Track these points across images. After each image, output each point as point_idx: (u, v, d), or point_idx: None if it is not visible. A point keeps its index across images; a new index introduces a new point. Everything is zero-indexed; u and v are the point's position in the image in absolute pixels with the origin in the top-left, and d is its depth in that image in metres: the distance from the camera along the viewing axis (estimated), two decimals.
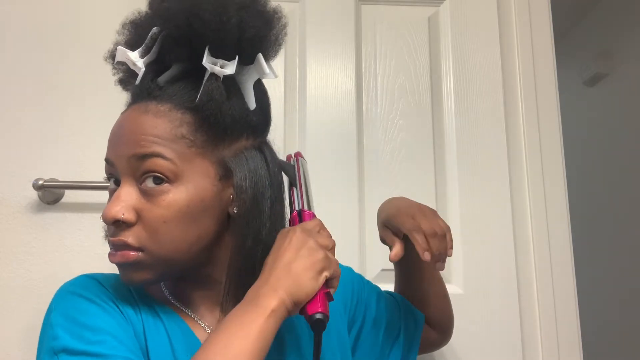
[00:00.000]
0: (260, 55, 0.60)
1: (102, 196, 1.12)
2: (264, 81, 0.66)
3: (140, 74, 0.60)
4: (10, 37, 1.17)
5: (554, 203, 1.16)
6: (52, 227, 1.09)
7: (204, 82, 0.57)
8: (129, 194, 0.57)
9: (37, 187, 1.05)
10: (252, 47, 0.60)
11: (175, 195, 0.56)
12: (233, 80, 0.60)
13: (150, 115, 0.57)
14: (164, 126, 0.57)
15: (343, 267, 0.78)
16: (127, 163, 0.57)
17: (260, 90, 0.65)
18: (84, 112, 1.15)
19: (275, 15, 0.63)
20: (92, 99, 1.16)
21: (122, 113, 0.62)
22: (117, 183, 0.59)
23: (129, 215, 0.56)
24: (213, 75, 0.57)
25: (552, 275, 1.13)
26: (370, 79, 1.19)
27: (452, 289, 1.09)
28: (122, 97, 1.20)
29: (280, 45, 0.64)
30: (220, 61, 0.58)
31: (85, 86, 1.16)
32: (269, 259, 0.57)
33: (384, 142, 1.16)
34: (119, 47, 0.62)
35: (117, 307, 0.58)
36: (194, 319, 0.63)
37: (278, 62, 1.18)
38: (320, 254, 0.56)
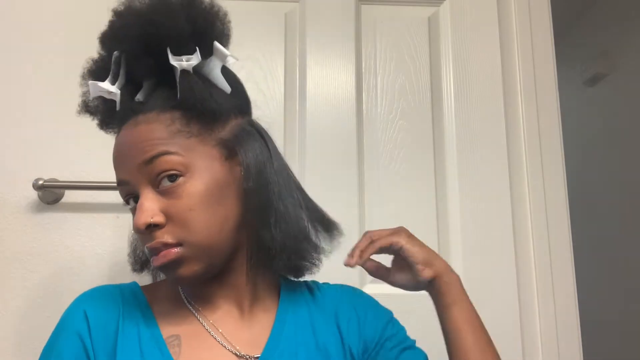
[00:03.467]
0: (217, 43, 0.64)
1: (102, 196, 1.12)
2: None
3: (118, 99, 0.63)
4: (11, 38, 1.17)
5: (554, 203, 1.16)
6: (52, 227, 1.09)
7: (178, 79, 0.60)
8: (150, 200, 0.59)
9: (37, 187, 1.05)
10: (206, 38, 0.63)
11: (192, 184, 0.59)
12: (202, 73, 0.64)
13: (143, 125, 0.61)
14: (158, 128, 0.60)
15: (348, 287, 0.79)
16: (139, 172, 0.60)
17: (230, 75, 0.68)
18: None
19: (214, 8, 0.66)
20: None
21: (116, 138, 0.66)
22: (136, 200, 0.62)
23: (158, 218, 0.58)
24: (184, 71, 0.61)
25: (552, 275, 1.13)
26: (370, 79, 1.19)
27: None
28: None
29: (229, 35, 0.67)
30: (184, 57, 0.61)
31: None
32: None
33: (384, 142, 1.16)
34: (90, 83, 0.65)
35: (84, 345, 0.61)
36: (195, 317, 0.65)
37: (278, 62, 1.18)
38: None
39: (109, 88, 0.63)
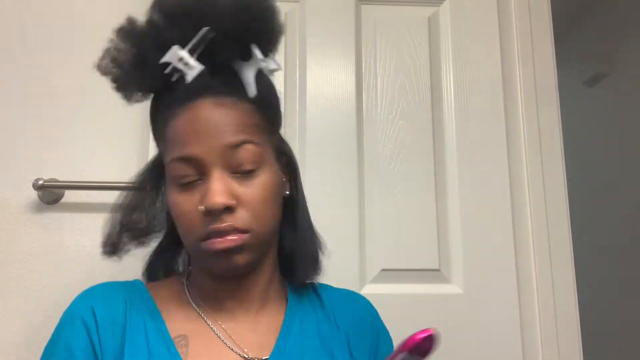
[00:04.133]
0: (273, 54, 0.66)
1: (102, 196, 1.12)
2: None
3: (194, 72, 0.60)
4: (11, 38, 1.17)
5: (554, 203, 1.16)
6: (52, 227, 1.09)
7: (254, 76, 0.62)
8: (224, 182, 0.59)
9: (37, 187, 1.05)
10: (275, 46, 0.66)
11: (265, 177, 0.61)
12: (268, 78, 0.67)
13: (228, 108, 0.61)
14: (245, 115, 0.61)
15: (365, 303, 0.78)
16: (220, 154, 0.59)
17: (272, 84, 0.70)
18: (84, 112, 1.15)
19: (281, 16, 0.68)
20: (92, 100, 1.16)
21: (181, 111, 0.61)
22: (189, 181, 0.60)
23: (233, 201, 0.59)
24: (261, 70, 0.63)
25: (552, 275, 1.13)
26: (370, 79, 1.19)
27: (452, 289, 1.10)
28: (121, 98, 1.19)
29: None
30: (265, 58, 0.63)
31: (86, 87, 1.16)
32: None
33: (384, 142, 1.16)
34: (174, 47, 0.61)
35: (92, 342, 0.61)
36: (202, 318, 0.65)
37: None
38: None
39: (190, 60, 0.60)
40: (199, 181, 0.60)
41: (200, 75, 0.60)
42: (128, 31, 0.66)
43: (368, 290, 1.08)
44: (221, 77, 0.62)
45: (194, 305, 0.66)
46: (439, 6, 1.23)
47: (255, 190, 0.60)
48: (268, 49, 0.64)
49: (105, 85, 1.17)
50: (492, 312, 1.09)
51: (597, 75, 2.12)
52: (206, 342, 0.62)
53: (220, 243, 0.58)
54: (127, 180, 1.12)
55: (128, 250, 0.73)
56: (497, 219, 1.13)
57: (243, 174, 0.60)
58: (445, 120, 1.18)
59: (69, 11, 1.19)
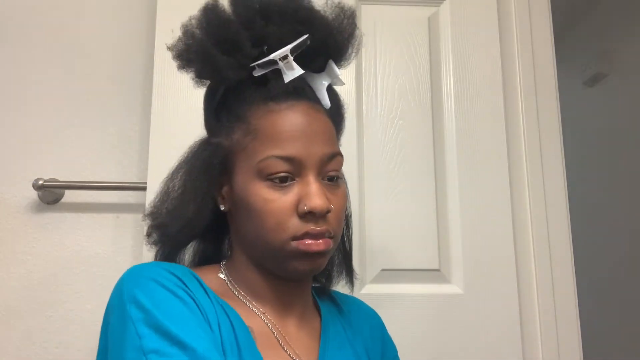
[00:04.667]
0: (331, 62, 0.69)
1: (102, 196, 1.12)
2: None
3: (296, 75, 0.62)
4: (11, 38, 1.17)
5: (554, 203, 1.16)
6: (52, 227, 1.09)
7: (327, 90, 0.66)
8: (321, 188, 0.62)
9: (37, 187, 1.05)
10: (349, 61, 0.71)
11: (343, 188, 0.66)
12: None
13: (323, 116, 0.65)
14: (330, 126, 0.65)
15: (373, 310, 0.82)
16: (319, 161, 0.62)
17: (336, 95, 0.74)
18: (84, 112, 1.15)
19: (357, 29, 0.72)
20: (92, 100, 1.16)
21: (281, 106, 0.62)
22: (284, 180, 0.61)
23: (332, 206, 0.62)
24: (330, 84, 0.67)
25: (552, 275, 1.13)
26: (370, 79, 1.19)
27: (452, 289, 1.10)
28: (122, 98, 1.20)
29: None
30: (339, 72, 0.68)
31: (86, 87, 1.16)
32: None
33: (384, 142, 1.16)
34: (287, 47, 0.62)
35: (194, 299, 0.56)
36: (253, 310, 0.64)
37: None
38: None
39: (293, 62, 0.62)
40: (293, 182, 0.61)
41: (296, 79, 0.63)
42: (219, 17, 0.64)
43: (368, 290, 1.08)
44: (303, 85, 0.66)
45: (245, 300, 0.64)
46: (439, 6, 1.23)
47: (340, 199, 0.64)
48: (342, 65, 0.68)
49: (105, 86, 1.17)
50: (492, 312, 1.09)
51: (597, 75, 2.12)
52: (264, 339, 0.61)
53: (316, 245, 0.60)
54: (127, 180, 1.13)
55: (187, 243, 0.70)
56: (497, 219, 1.13)
57: (331, 183, 0.63)
58: (445, 120, 1.18)
59: (71, 11, 1.19)
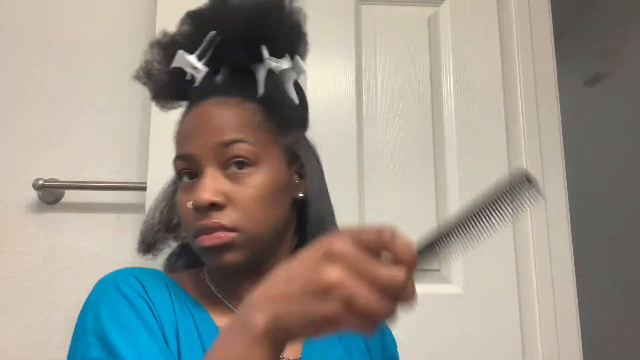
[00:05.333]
0: (298, 57, 0.67)
1: (102, 196, 1.12)
2: None
3: (201, 75, 0.64)
4: (11, 38, 1.17)
5: (554, 203, 1.16)
6: (52, 227, 1.09)
7: (264, 77, 0.63)
8: (215, 180, 0.60)
9: (37, 187, 1.05)
10: (295, 48, 0.67)
11: (260, 176, 0.61)
12: (280, 79, 0.67)
13: (228, 107, 0.62)
14: (242, 115, 0.62)
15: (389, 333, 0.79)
16: (212, 152, 0.60)
17: (300, 90, 0.71)
18: (84, 112, 1.15)
19: (305, 25, 0.69)
20: (92, 100, 1.16)
21: (189, 111, 0.65)
22: (191, 177, 0.62)
23: (221, 198, 0.59)
24: (271, 71, 0.63)
25: (552, 276, 1.13)
26: (370, 79, 1.19)
27: (452, 289, 1.10)
28: (122, 98, 1.20)
29: (307, 50, 0.71)
30: (274, 59, 0.64)
31: (86, 87, 1.16)
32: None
33: (384, 142, 1.16)
34: (180, 52, 0.65)
35: (152, 309, 0.58)
36: (230, 308, 0.64)
37: None
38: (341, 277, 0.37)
39: (196, 63, 0.64)
40: (196, 179, 0.62)
41: (207, 78, 0.63)
42: (154, 42, 0.69)
43: None
44: (232, 78, 0.65)
45: (223, 299, 0.65)
46: (439, 6, 1.23)
47: (247, 189, 0.60)
48: (280, 49, 0.64)
49: (104, 86, 1.17)
50: (492, 312, 1.09)
51: (597, 75, 2.12)
52: None
53: (207, 240, 0.59)
54: (127, 180, 1.13)
55: (162, 249, 0.74)
56: None
57: (237, 172, 0.60)
58: (445, 120, 1.18)
59: (71, 11, 1.19)
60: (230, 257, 0.59)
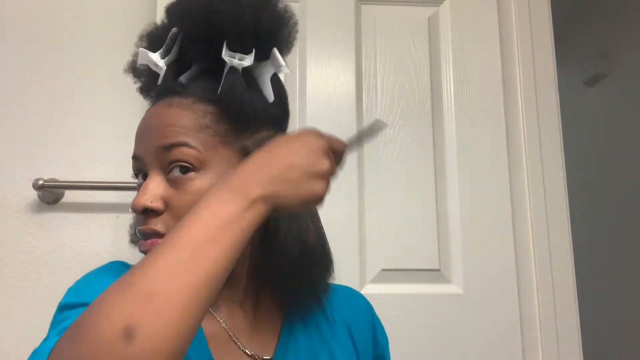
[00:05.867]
0: (275, 50, 0.63)
1: (102, 196, 1.12)
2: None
3: (162, 74, 0.62)
4: (11, 38, 1.17)
5: (554, 203, 1.16)
6: (52, 227, 1.09)
7: (224, 75, 0.60)
8: (156, 184, 0.58)
9: (37, 187, 1.05)
10: (267, 42, 0.63)
11: (202, 182, 0.57)
12: (251, 75, 0.63)
13: (175, 108, 0.60)
14: (189, 117, 0.59)
15: (360, 296, 0.77)
16: (155, 155, 0.59)
17: (278, 84, 0.67)
18: (83, 112, 1.15)
19: (287, 14, 0.65)
20: (92, 100, 1.16)
21: (147, 111, 0.64)
22: (145, 178, 0.61)
23: (157, 204, 0.57)
24: (232, 68, 0.60)
25: (552, 275, 1.13)
26: (370, 79, 1.19)
27: (452, 289, 1.10)
28: (122, 98, 1.21)
29: (292, 43, 0.67)
30: (238, 55, 0.60)
31: (86, 87, 1.16)
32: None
33: (384, 142, 1.16)
34: (140, 50, 0.64)
35: None
36: (212, 313, 0.63)
37: None
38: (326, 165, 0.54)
39: (157, 61, 0.62)
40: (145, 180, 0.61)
41: (169, 78, 0.61)
42: (142, 35, 0.67)
43: (368, 290, 1.07)
44: (197, 77, 0.63)
45: None
46: (439, 6, 1.23)
47: (186, 195, 0.57)
48: (247, 45, 0.61)
49: (104, 86, 1.17)
50: (492, 312, 1.09)
51: (597, 75, 2.12)
52: (219, 338, 0.62)
53: (143, 245, 0.58)
54: (127, 180, 1.13)
55: None
56: (497, 219, 1.13)
57: (179, 177, 0.57)
58: (445, 120, 1.18)
59: (71, 12, 1.19)
60: None
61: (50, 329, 0.55)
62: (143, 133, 0.61)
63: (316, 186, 0.51)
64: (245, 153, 0.60)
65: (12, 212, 1.09)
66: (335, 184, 1.18)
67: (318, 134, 0.56)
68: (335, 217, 1.09)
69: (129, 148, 1.18)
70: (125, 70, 0.69)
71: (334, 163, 0.57)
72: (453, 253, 1.11)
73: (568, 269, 1.14)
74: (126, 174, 1.13)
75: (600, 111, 2.14)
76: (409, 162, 1.15)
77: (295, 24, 0.66)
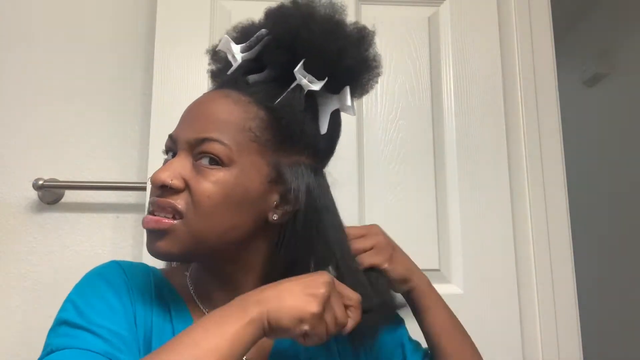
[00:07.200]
0: (347, 89, 0.64)
1: (102, 196, 1.12)
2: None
3: (235, 66, 0.63)
4: (11, 38, 1.17)
5: (554, 203, 1.16)
6: (52, 227, 1.09)
7: (289, 89, 0.61)
8: (181, 164, 0.59)
9: (37, 187, 1.05)
10: (343, 77, 0.64)
11: (225, 176, 0.58)
12: (315, 100, 0.64)
13: (230, 100, 0.60)
14: (238, 114, 0.60)
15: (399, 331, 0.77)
16: (187, 142, 0.59)
17: (336, 121, 0.67)
18: (84, 112, 1.15)
19: (374, 62, 0.68)
20: (92, 100, 1.16)
21: (204, 94, 0.64)
22: (170, 155, 0.62)
23: (177, 182, 0.57)
24: (299, 86, 0.61)
25: (552, 275, 1.13)
26: None
27: (452, 289, 1.09)
28: (122, 97, 1.21)
29: (367, 90, 0.69)
30: (310, 77, 0.61)
31: (86, 87, 1.16)
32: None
33: (384, 142, 1.16)
34: (225, 36, 0.65)
35: (132, 304, 0.60)
36: (203, 311, 0.64)
37: None
38: (322, 290, 0.54)
39: (236, 53, 0.63)
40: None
41: (239, 72, 0.62)
42: (236, 25, 0.69)
43: None
44: (265, 80, 0.63)
45: (197, 301, 0.65)
46: (439, 6, 1.23)
47: (206, 182, 0.57)
48: (313, 69, 0.61)
49: (105, 86, 1.17)
50: (492, 312, 1.09)
51: (597, 75, 2.12)
52: None
53: (148, 221, 0.58)
54: (127, 180, 1.13)
55: None
56: (497, 219, 1.13)
57: (205, 166, 0.58)
58: (445, 120, 1.18)
59: (71, 12, 1.19)
60: (163, 245, 0.57)
61: (46, 341, 0.55)
62: (188, 117, 0.62)
63: (310, 304, 0.52)
64: (277, 169, 0.61)
65: (12, 212, 1.09)
66: (336, 185, 1.18)
67: (326, 274, 0.57)
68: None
69: (129, 148, 1.18)
70: (207, 51, 0.70)
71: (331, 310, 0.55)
72: (453, 253, 1.11)
73: (568, 269, 1.14)
74: (126, 174, 1.14)
75: (600, 111, 2.14)
76: (409, 162, 1.15)
77: (378, 74, 0.69)
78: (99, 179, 1.12)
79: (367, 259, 0.69)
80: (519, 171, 1.18)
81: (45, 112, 1.14)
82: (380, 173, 1.14)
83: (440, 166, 1.16)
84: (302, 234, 0.62)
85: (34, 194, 1.09)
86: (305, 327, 0.51)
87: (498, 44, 1.21)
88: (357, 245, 0.71)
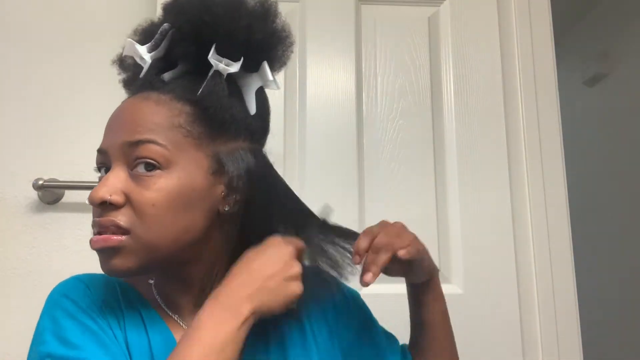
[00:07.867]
0: (265, 63, 0.62)
1: None
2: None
3: (146, 67, 0.61)
4: (11, 38, 1.17)
5: (554, 203, 1.16)
6: (52, 227, 1.09)
7: (207, 78, 0.59)
8: (118, 177, 0.56)
9: (37, 187, 1.05)
10: (258, 53, 0.62)
11: (167, 181, 0.56)
12: (236, 83, 0.62)
13: (151, 102, 0.58)
14: (163, 113, 0.58)
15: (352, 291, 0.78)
16: (120, 149, 0.57)
17: (262, 98, 0.65)
18: (83, 112, 1.15)
19: (283, 32, 0.64)
20: (92, 99, 1.16)
21: (122, 102, 0.62)
22: (107, 172, 0.59)
23: (116, 197, 0.55)
24: (217, 72, 0.59)
25: (552, 275, 1.13)
26: (370, 79, 1.19)
27: (452, 289, 1.10)
28: (122, 97, 1.20)
29: (285, 61, 0.66)
30: (225, 60, 0.59)
31: (86, 86, 1.16)
32: (249, 264, 0.58)
33: (384, 142, 1.16)
34: (127, 40, 0.63)
35: (104, 318, 0.58)
36: (179, 324, 0.62)
37: None
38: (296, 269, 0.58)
39: (143, 54, 0.61)
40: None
41: (152, 73, 0.60)
42: (136, 29, 0.67)
43: (368, 290, 1.07)
44: (181, 76, 0.61)
45: (166, 308, 0.63)
46: (439, 6, 1.23)
47: (148, 192, 0.55)
48: (227, 52, 0.60)
49: (105, 86, 1.17)
50: (492, 312, 1.09)
51: (597, 75, 2.12)
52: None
53: (96, 241, 0.55)
54: None
55: None
56: (497, 220, 1.13)
57: (143, 174, 0.55)
58: (445, 120, 1.18)
59: (71, 11, 1.19)
60: (118, 263, 0.55)
61: None
62: (112, 126, 0.60)
63: (293, 287, 0.57)
64: (216, 159, 0.59)
65: (12, 212, 1.09)
66: (336, 185, 1.18)
67: (284, 242, 0.59)
68: (335, 217, 1.09)
69: None
70: (113, 62, 0.68)
71: (302, 263, 0.60)
72: (453, 253, 1.11)
73: (568, 269, 1.14)
74: None
75: (600, 111, 2.14)
76: (409, 162, 1.15)
77: (292, 43, 0.65)
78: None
79: (390, 249, 0.70)
80: (519, 171, 1.18)
81: (46, 112, 1.14)
82: (380, 173, 1.14)
83: (440, 166, 1.16)
84: (258, 217, 0.61)
85: (34, 194, 1.09)
86: (293, 306, 0.57)
87: (498, 44, 1.21)
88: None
